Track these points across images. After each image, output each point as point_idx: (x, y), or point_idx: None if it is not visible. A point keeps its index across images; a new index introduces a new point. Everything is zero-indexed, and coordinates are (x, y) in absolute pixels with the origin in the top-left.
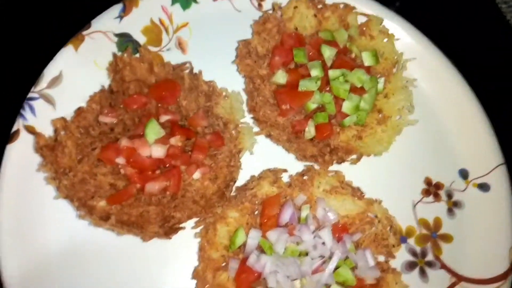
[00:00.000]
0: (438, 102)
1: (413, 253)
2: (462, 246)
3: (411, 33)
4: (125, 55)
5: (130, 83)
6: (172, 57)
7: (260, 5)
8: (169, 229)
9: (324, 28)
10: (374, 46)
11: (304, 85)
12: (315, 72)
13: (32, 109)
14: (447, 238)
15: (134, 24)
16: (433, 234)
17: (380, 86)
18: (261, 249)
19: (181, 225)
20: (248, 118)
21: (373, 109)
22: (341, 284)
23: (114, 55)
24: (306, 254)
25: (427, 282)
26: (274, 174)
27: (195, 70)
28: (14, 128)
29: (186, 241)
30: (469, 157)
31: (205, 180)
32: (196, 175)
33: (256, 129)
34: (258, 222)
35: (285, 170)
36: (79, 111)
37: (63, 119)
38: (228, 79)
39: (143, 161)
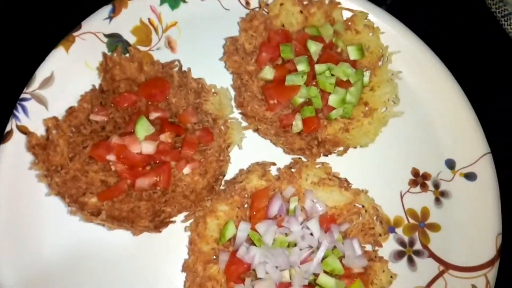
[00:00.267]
0: (424, 94)
1: (401, 242)
2: (450, 235)
3: (395, 26)
4: (115, 54)
5: (120, 82)
6: (162, 56)
7: (247, 3)
8: (159, 223)
9: (310, 24)
10: (360, 40)
11: (291, 80)
12: (302, 67)
13: (24, 109)
14: (435, 227)
15: (124, 25)
16: (421, 224)
17: (366, 79)
18: (250, 241)
19: (171, 219)
20: (236, 114)
21: (359, 102)
22: (329, 273)
23: (104, 54)
24: (295, 245)
25: (415, 271)
26: (262, 167)
27: (185, 68)
28: (7, 129)
29: (177, 235)
30: (455, 147)
31: (195, 175)
32: (186, 170)
33: (244, 124)
34: (247, 215)
35: (273, 163)
36: (70, 110)
37: (54, 118)
38: (217, 76)
39: (133, 157)
